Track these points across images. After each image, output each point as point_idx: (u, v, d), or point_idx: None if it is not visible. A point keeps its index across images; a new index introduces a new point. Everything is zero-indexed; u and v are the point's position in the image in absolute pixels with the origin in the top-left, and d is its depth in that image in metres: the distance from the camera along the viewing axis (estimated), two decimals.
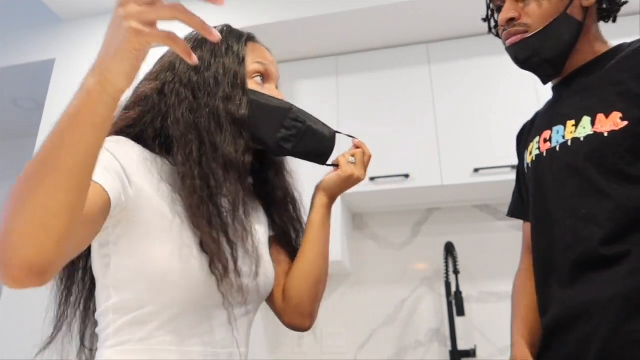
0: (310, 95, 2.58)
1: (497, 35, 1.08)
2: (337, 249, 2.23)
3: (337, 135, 0.98)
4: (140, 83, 0.90)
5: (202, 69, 0.87)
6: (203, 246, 0.76)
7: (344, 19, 2.41)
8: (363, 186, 2.31)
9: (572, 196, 0.88)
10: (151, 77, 0.90)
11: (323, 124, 0.96)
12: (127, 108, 0.86)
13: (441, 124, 2.34)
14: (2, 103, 3.12)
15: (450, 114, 2.35)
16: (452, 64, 2.44)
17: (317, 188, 1.01)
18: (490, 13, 1.08)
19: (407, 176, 2.27)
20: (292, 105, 0.92)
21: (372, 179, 2.29)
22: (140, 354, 0.74)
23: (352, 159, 0.99)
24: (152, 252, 0.75)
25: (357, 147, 1.01)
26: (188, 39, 0.92)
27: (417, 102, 2.41)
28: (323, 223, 0.97)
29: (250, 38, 0.98)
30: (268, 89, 0.93)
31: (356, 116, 2.46)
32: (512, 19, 0.96)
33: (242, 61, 0.91)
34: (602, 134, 0.85)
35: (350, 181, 0.98)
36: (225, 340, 0.80)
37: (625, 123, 0.83)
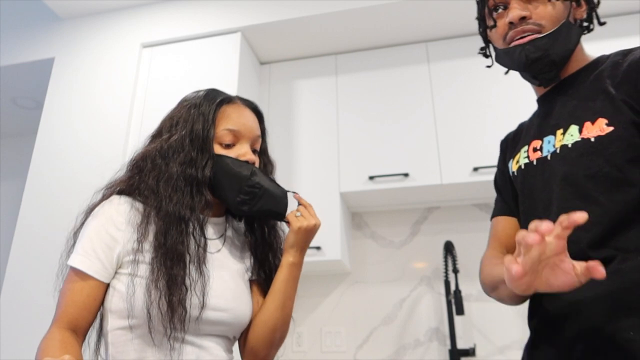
0: (310, 95, 2.58)
1: (485, 38, 1.08)
2: (336, 248, 2.24)
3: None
4: (139, 149, 1.08)
5: (174, 135, 1.04)
6: (152, 281, 0.92)
7: (343, 17, 2.41)
8: (362, 185, 2.32)
9: (559, 200, 0.89)
10: (144, 143, 1.09)
11: (277, 185, 1.07)
12: (126, 171, 1.06)
13: (440, 123, 2.34)
14: (2, 102, 3.12)
15: (450, 112, 2.35)
16: (451, 63, 2.45)
17: (284, 249, 1.11)
18: (485, 12, 1.05)
19: (406, 175, 2.27)
20: (252, 170, 1.03)
21: (371, 177, 2.30)
22: None
23: (298, 214, 1.09)
24: (119, 285, 0.95)
25: (299, 201, 1.12)
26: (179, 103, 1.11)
27: (416, 100, 2.41)
28: (286, 280, 1.06)
29: (225, 101, 1.09)
30: (236, 151, 1.05)
31: (355, 115, 2.46)
32: (524, 17, 0.96)
33: (210, 125, 1.04)
34: (589, 139, 0.87)
35: (302, 231, 1.07)
36: (160, 356, 0.92)
37: (611, 128, 0.85)
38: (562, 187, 0.89)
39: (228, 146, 1.05)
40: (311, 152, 2.45)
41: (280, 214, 1.07)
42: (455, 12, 2.35)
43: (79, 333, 0.92)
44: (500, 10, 1.01)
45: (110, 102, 2.45)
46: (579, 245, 0.84)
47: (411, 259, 2.48)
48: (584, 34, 1.01)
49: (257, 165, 1.08)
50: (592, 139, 0.86)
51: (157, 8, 2.64)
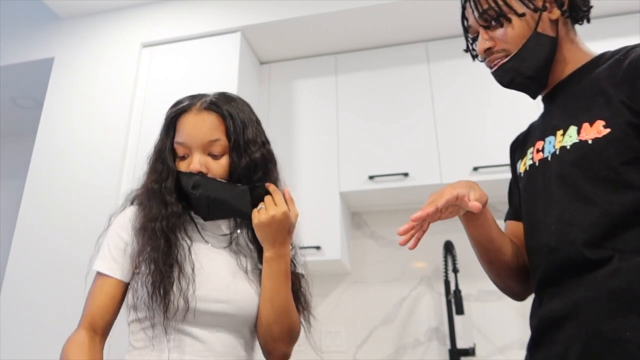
0: (310, 94, 2.58)
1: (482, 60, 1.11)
2: (336, 248, 2.24)
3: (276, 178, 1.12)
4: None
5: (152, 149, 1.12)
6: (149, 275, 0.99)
7: (343, 17, 2.41)
8: (362, 185, 2.32)
9: (558, 201, 0.90)
10: None
11: (232, 187, 1.04)
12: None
13: (440, 123, 2.34)
14: (2, 101, 3.12)
15: (449, 112, 2.35)
16: (451, 63, 2.45)
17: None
18: (470, 43, 1.12)
19: (406, 175, 2.27)
20: (193, 183, 1.03)
21: (371, 177, 2.30)
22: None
23: (260, 206, 1.05)
24: (132, 283, 1.03)
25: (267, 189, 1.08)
26: None
27: (416, 100, 2.41)
28: (268, 275, 1.06)
29: (180, 111, 1.09)
30: (187, 163, 1.06)
31: (355, 115, 2.46)
32: (488, 49, 1.01)
33: (164, 138, 1.10)
34: (586, 141, 0.88)
35: (262, 226, 1.04)
36: (161, 346, 0.98)
37: (608, 130, 0.86)
38: (561, 189, 0.90)
39: (183, 158, 1.08)
40: (311, 152, 2.45)
41: (243, 214, 1.05)
42: (455, 12, 2.35)
43: (99, 332, 1.00)
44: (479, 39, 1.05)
45: (110, 102, 2.45)
46: (576, 246, 0.84)
47: (411, 258, 2.48)
48: (580, 23, 1.01)
49: (217, 169, 1.05)
50: (590, 142, 0.87)
51: (157, 8, 2.64)
